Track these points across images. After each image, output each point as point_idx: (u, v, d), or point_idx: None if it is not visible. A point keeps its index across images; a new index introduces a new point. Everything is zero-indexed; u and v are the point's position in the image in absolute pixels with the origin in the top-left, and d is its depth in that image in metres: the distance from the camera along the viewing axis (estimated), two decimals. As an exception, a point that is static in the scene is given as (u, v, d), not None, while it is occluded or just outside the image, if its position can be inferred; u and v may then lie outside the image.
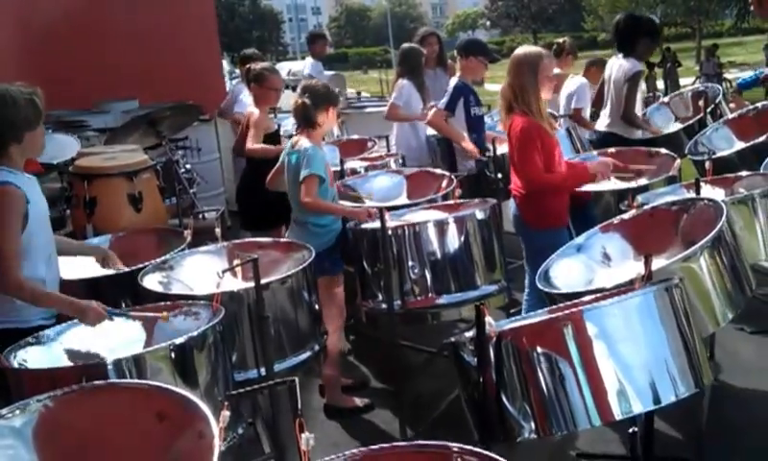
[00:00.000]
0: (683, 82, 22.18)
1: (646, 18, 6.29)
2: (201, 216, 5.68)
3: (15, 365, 2.70)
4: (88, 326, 2.98)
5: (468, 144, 5.86)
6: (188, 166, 6.57)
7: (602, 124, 6.44)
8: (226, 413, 1.88)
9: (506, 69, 4.44)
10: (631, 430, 3.48)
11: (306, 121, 4.33)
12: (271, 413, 3.44)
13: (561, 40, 7.63)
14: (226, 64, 17.06)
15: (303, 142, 4.28)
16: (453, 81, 6.08)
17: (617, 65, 6.26)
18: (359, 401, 4.55)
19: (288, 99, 6.61)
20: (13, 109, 3.00)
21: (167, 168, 5.92)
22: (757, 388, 4.44)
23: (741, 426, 4.04)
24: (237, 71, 9.80)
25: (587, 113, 7.17)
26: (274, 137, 5.65)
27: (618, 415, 2.46)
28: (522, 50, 4.45)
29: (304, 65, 9.94)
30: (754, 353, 4.86)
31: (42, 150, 3.28)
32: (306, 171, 4.15)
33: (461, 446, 1.83)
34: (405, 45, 6.98)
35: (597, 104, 7.08)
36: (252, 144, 5.42)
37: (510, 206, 4.57)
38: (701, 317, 2.99)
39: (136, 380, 2.43)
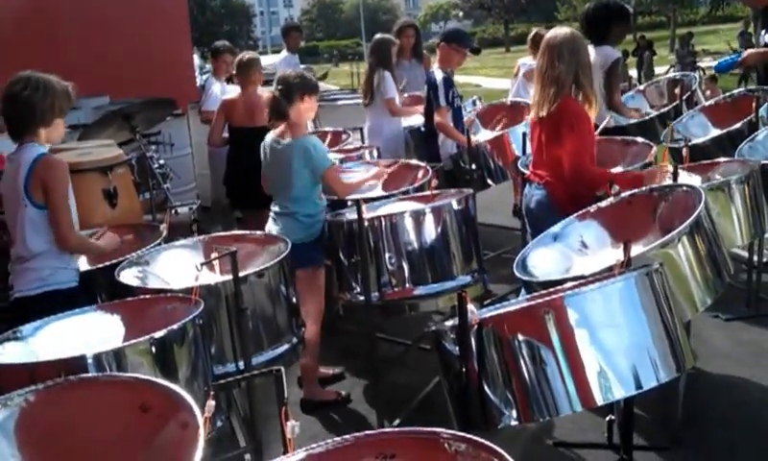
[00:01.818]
0: (657, 70, 22.38)
1: (615, 3, 6.31)
2: (174, 211, 5.67)
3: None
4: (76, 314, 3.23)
5: (462, 137, 5.91)
6: (162, 161, 6.53)
7: None
8: (211, 403, 1.90)
9: (539, 56, 4.34)
10: (608, 418, 3.55)
11: (277, 113, 4.34)
12: (247, 407, 3.46)
13: (537, 30, 7.68)
14: (196, 59, 16.95)
15: (289, 135, 4.31)
16: (438, 74, 6.05)
17: (592, 55, 6.28)
18: (336, 394, 4.57)
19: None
20: (51, 97, 3.45)
21: (141, 163, 5.89)
22: (732, 375, 4.52)
23: (716, 412, 4.11)
24: (208, 66, 9.76)
25: None
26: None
27: (600, 400, 2.50)
28: (565, 32, 4.30)
29: (279, 58, 9.88)
30: (728, 341, 4.94)
31: (59, 140, 3.74)
32: (323, 163, 4.25)
33: (451, 432, 1.85)
34: (377, 36, 7.02)
35: None
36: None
37: (529, 194, 4.47)
38: (680, 303, 3.03)
39: (119, 373, 2.43)
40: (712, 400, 4.25)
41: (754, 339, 4.95)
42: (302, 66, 9.09)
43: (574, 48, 4.19)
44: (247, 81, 6.07)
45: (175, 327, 2.68)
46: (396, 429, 2.30)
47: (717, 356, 4.71)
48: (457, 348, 2.63)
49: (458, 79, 6.49)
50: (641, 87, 7.86)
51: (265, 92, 5.62)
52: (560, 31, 4.31)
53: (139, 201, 5.63)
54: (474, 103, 8.01)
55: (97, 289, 3.67)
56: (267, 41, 65.17)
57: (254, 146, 4.70)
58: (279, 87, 4.32)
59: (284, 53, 9.76)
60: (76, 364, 2.45)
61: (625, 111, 6.35)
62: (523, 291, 4.57)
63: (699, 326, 4.79)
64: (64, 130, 3.66)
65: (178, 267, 3.75)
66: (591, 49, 6.31)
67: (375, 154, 6.22)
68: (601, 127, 5.34)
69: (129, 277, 3.56)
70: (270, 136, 4.46)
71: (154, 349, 2.60)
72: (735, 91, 6.61)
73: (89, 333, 2.95)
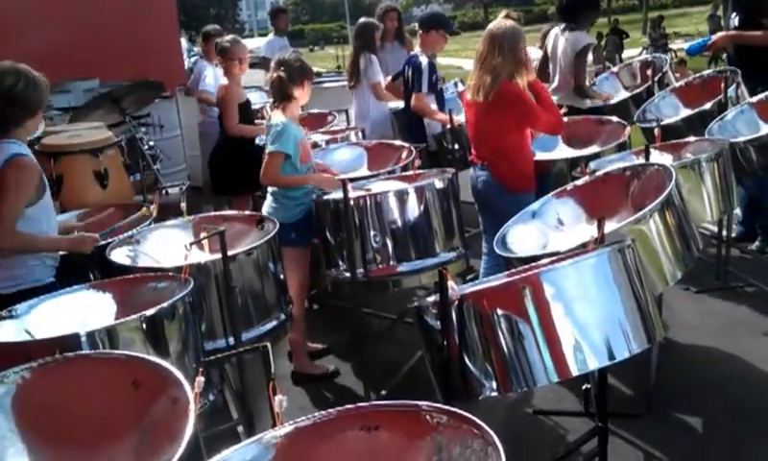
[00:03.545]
0: (630, 52, 22.40)
1: None
2: (164, 192, 5.65)
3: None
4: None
5: (443, 115, 5.90)
6: (151, 143, 6.48)
7: (553, 97, 6.45)
8: (200, 379, 1.90)
9: (480, 42, 4.46)
10: (584, 387, 3.58)
11: (282, 95, 4.31)
12: (239, 381, 3.46)
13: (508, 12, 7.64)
14: (184, 42, 16.78)
15: (277, 116, 4.27)
16: (423, 59, 6.00)
17: (562, 38, 6.29)
18: (325, 368, 4.58)
19: (251, 75, 6.58)
20: (40, 90, 3.38)
21: (131, 145, 5.85)
22: (701, 345, 4.57)
23: (687, 381, 4.16)
24: (196, 49, 9.64)
25: None
26: (245, 107, 5.78)
27: (575, 371, 2.52)
28: (507, 25, 4.45)
29: (267, 41, 9.70)
30: (698, 312, 4.99)
31: (37, 129, 3.68)
32: (272, 147, 4.15)
33: (430, 404, 1.86)
34: (361, 20, 6.97)
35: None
36: (232, 121, 5.65)
37: (475, 176, 4.58)
38: (651, 277, 3.06)
39: (111, 350, 2.42)
40: (683, 369, 4.29)
41: (722, 310, 4.99)
42: (291, 50, 9.00)
43: (513, 43, 4.36)
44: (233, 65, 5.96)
45: (165, 304, 2.67)
46: (380, 403, 2.31)
47: (688, 327, 4.75)
48: (438, 322, 2.63)
49: (440, 61, 6.47)
50: (615, 69, 7.88)
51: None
52: (503, 23, 4.46)
53: (130, 182, 5.59)
54: (456, 85, 7.98)
55: (89, 268, 3.64)
56: (253, 25, 64.54)
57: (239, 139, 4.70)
58: (283, 70, 4.28)
59: (271, 36, 9.58)
60: (70, 341, 2.44)
61: (591, 94, 6.36)
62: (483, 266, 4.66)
63: (670, 298, 4.83)
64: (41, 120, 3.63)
65: (168, 246, 3.73)
66: (560, 32, 6.33)
67: (361, 135, 6.20)
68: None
69: (120, 255, 3.54)
70: (267, 119, 4.47)
71: (145, 326, 2.59)
72: (705, 72, 6.64)
73: (82, 311, 2.94)
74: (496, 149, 4.45)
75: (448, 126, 5.73)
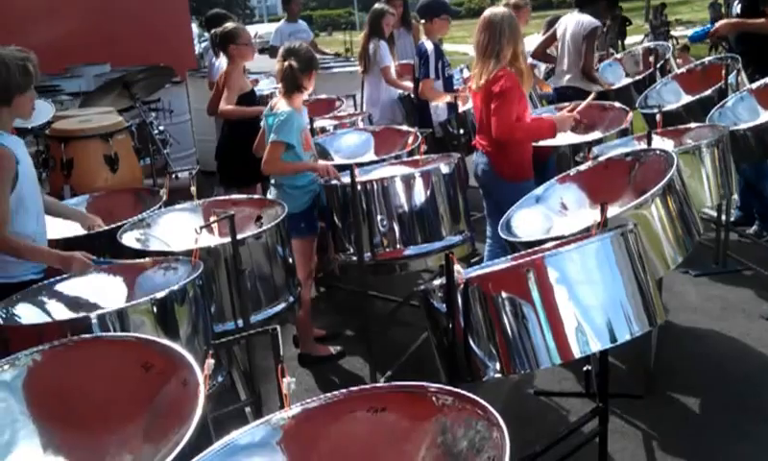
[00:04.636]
0: (632, 39, 22.26)
1: None
2: (174, 176, 5.62)
3: (1, 322, 2.67)
4: (74, 275, 3.01)
5: (449, 96, 5.88)
6: (161, 128, 6.46)
7: (561, 79, 6.41)
8: (210, 361, 1.89)
9: (476, 27, 4.42)
10: (585, 368, 3.57)
11: (293, 85, 4.22)
12: (247, 363, 3.45)
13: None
14: (195, 28, 16.73)
15: (281, 105, 4.21)
16: (429, 45, 5.95)
17: (574, 21, 6.24)
18: (332, 349, 4.57)
19: (258, 62, 6.51)
20: (5, 74, 3.00)
21: (141, 129, 5.83)
22: (700, 327, 4.56)
23: (686, 363, 4.15)
24: (206, 35, 9.54)
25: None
26: (249, 97, 5.57)
27: (578, 353, 2.51)
28: (503, 11, 4.41)
29: (279, 26, 9.48)
30: (697, 295, 4.97)
31: (32, 113, 3.27)
32: (274, 136, 4.11)
33: (437, 385, 1.85)
34: (374, 6, 6.91)
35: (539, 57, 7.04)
36: (226, 105, 5.36)
37: (477, 162, 4.56)
38: (652, 260, 3.04)
39: (122, 333, 2.41)
40: (682, 351, 4.28)
41: (721, 294, 4.97)
42: (310, 35, 8.88)
43: (513, 25, 4.32)
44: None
45: (175, 287, 2.66)
46: (386, 384, 2.30)
47: (687, 310, 4.74)
48: (444, 305, 2.62)
49: (446, 47, 6.44)
50: (618, 56, 7.82)
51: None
52: (499, 10, 4.43)
53: (140, 166, 5.58)
54: (462, 71, 7.94)
55: (100, 251, 3.63)
56: (263, 11, 64.24)
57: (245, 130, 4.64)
58: (294, 59, 4.19)
59: (283, 22, 9.20)
60: (81, 324, 2.43)
61: (598, 79, 6.32)
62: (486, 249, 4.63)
63: (670, 281, 4.81)
64: (32, 103, 3.20)
65: (178, 230, 3.72)
66: (574, 16, 6.28)
67: (368, 120, 6.16)
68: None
69: (130, 239, 3.53)
70: (267, 108, 4.39)
71: (155, 309, 2.57)
72: (707, 59, 6.58)
73: (93, 294, 2.93)
74: (487, 139, 4.43)
75: (453, 112, 5.69)
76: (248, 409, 3.45)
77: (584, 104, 4.59)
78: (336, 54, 10.72)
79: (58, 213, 3.73)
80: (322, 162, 4.43)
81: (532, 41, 7.10)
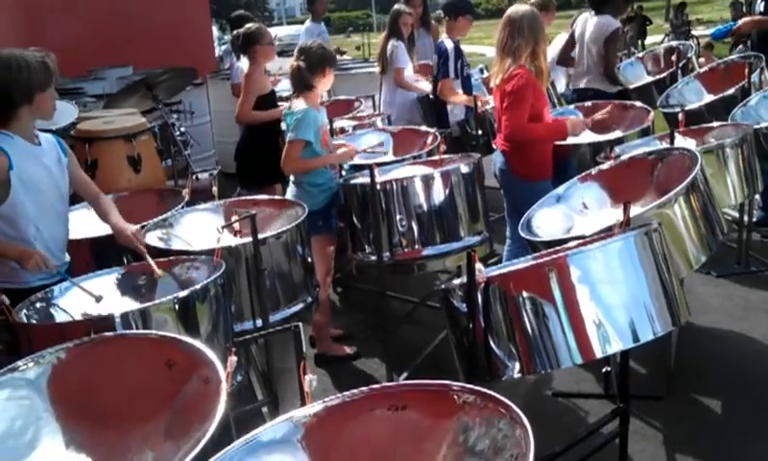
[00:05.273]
0: (652, 39, 22.09)
1: None
2: (195, 177, 5.64)
3: (24, 320, 2.68)
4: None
5: (467, 98, 5.90)
6: (182, 129, 6.49)
7: (580, 81, 6.35)
8: (233, 358, 1.89)
9: (499, 28, 4.39)
10: (604, 370, 3.54)
11: (301, 85, 4.23)
12: (265, 362, 3.45)
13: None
14: (215, 31, 16.80)
15: (298, 104, 4.21)
16: (449, 44, 5.96)
17: (591, 23, 6.19)
18: (348, 349, 4.57)
19: (276, 64, 6.51)
20: (26, 73, 2.96)
21: (163, 131, 5.86)
22: (721, 328, 4.51)
23: (707, 365, 4.10)
24: (226, 37, 9.56)
25: None
26: (269, 98, 5.56)
27: (599, 353, 2.48)
28: (525, 8, 4.39)
29: (304, 28, 9.17)
30: (719, 296, 4.92)
31: (53, 112, 3.22)
32: (291, 135, 4.11)
33: (461, 384, 1.84)
34: (393, 7, 6.91)
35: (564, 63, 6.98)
36: (242, 110, 5.41)
37: (495, 161, 4.54)
38: (676, 260, 3.00)
39: (145, 331, 2.41)
40: (703, 352, 4.23)
41: (743, 294, 4.92)
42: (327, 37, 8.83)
43: (533, 24, 4.29)
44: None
45: (197, 287, 2.66)
46: (408, 382, 2.29)
47: (708, 311, 4.69)
48: (465, 304, 2.61)
49: (464, 48, 6.40)
50: (640, 55, 7.77)
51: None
52: (521, 8, 4.39)
53: (162, 167, 5.61)
54: (482, 71, 7.93)
55: (123, 251, 3.65)
56: (282, 13, 64.39)
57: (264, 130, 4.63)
58: (303, 58, 4.21)
59: (308, 22, 9.04)
60: (104, 322, 2.44)
61: (621, 80, 6.27)
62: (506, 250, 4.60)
63: (691, 281, 4.77)
64: (53, 102, 3.16)
65: (199, 230, 3.73)
66: (589, 17, 6.23)
67: (387, 121, 6.16)
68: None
69: (153, 239, 3.54)
70: (285, 107, 4.39)
71: (177, 307, 2.58)
72: (729, 58, 6.53)
73: (118, 293, 2.95)
74: (503, 136, 4.40)
75: (470, 112, 5.67)
76: (264, 409, 3.45)
77: (599, 115, 4.58)
78: (339, 50, 10.57)
79: (105, 218, 3.54)
80: (340, 150, 4.41)
81: (558, 42, 7.04)
